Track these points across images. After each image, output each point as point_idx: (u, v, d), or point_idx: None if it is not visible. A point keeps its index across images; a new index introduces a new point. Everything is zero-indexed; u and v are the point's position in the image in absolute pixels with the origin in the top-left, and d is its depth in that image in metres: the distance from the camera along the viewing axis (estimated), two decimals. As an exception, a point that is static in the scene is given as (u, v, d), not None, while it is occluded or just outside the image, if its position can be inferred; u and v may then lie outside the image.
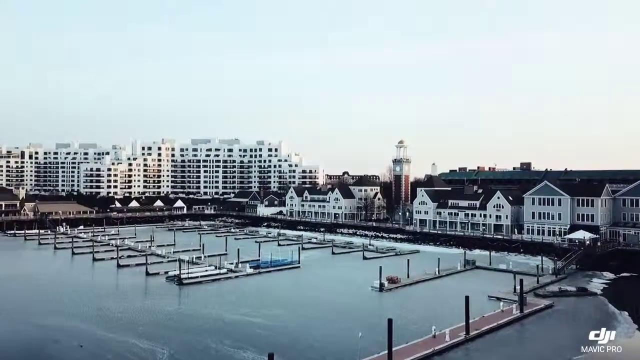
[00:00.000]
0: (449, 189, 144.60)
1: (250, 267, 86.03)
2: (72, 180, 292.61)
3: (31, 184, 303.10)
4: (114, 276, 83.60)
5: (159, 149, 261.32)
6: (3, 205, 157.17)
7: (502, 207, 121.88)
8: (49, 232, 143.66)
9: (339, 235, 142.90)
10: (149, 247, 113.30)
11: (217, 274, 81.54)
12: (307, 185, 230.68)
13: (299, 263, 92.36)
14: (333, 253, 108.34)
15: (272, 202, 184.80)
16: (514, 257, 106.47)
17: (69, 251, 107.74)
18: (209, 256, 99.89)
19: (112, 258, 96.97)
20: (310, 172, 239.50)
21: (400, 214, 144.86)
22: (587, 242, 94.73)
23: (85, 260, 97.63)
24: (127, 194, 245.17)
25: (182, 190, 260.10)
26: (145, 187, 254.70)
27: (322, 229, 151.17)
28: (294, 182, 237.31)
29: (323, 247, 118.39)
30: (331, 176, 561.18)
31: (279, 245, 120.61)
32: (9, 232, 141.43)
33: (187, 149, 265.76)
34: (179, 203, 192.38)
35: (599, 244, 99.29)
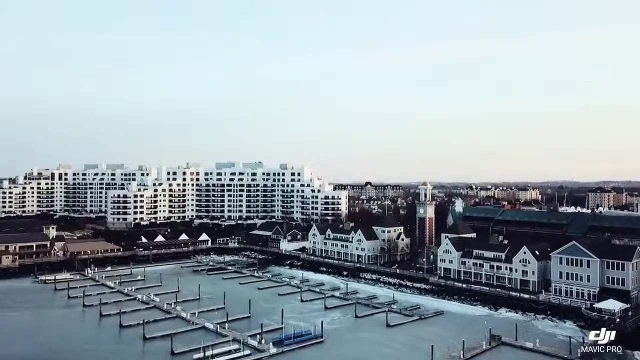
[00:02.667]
0: (474, 235, 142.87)
1: (274, 345, 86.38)
2: (100, 201, 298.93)
3: (61, 205, 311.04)
4: (139, 356, 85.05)
5: (184, 173, 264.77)
6: (34, 246, 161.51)
7: (529, 262, 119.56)
8: (78, 276, 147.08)
9: (362, 282, 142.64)
10: (174, 304, 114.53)
11: (240, 357, 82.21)
12: (329, 215, 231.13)
13: (322, 336, 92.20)
14: (356, 316, 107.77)
15: (295, 237, 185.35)
16: (541, 321, 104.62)
17: (97, 310, 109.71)
18: (232, 320, 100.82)
19: (138, 324, 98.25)
20: (333, 198, 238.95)
21: (424, 259, 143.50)
22: (618, 319, 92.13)
23: (111, 329, 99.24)
24: (152, 220, 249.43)
25: (206, 214, 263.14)
26: (170, 211, 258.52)
27: (345, 273, 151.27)
28: (316, 209, 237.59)
29: (347, 304, 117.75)
30: (354, 186, 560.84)
31: (302, 301, 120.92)
32: (39, 276, 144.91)
33: (211, 173, 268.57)
34: (204, 236, 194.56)
35: (629, 313, 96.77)
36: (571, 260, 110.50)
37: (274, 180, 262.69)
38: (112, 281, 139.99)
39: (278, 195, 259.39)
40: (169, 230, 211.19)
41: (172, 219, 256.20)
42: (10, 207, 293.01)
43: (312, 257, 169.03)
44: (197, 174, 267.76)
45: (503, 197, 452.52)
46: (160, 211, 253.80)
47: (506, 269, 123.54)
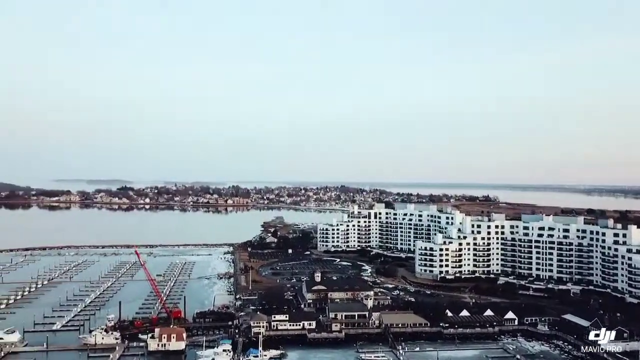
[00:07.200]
0: None
1: None
2: (409, 241, 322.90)
3: (376, 241, 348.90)
4: None
5: (488, 227, 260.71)
6: (356, 316, 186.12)
7: None
8: (391, 357, 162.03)
9: None
10: None
11: None
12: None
13: None
14: None
15: (621, 335, 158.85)
16: None
17: None
18: None
19: None
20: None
21: None
22: None
23: None
24: (457, 274, 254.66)
25: (512, 271, 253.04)
26: (475, 265, 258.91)
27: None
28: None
29: None
30: None
31: None
32: (360, 351, 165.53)
33: (517, 227, 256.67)
34: (510, 314, 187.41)
35: None
36: None
37: (591, 239, 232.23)
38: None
39: (597, 258, 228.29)
40: (474, 301, 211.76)
41: (477, 274, 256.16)
42: (338, 241, 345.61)
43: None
44: (502, 227, 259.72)
45: None
46: (464, 264, 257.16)
47: None
